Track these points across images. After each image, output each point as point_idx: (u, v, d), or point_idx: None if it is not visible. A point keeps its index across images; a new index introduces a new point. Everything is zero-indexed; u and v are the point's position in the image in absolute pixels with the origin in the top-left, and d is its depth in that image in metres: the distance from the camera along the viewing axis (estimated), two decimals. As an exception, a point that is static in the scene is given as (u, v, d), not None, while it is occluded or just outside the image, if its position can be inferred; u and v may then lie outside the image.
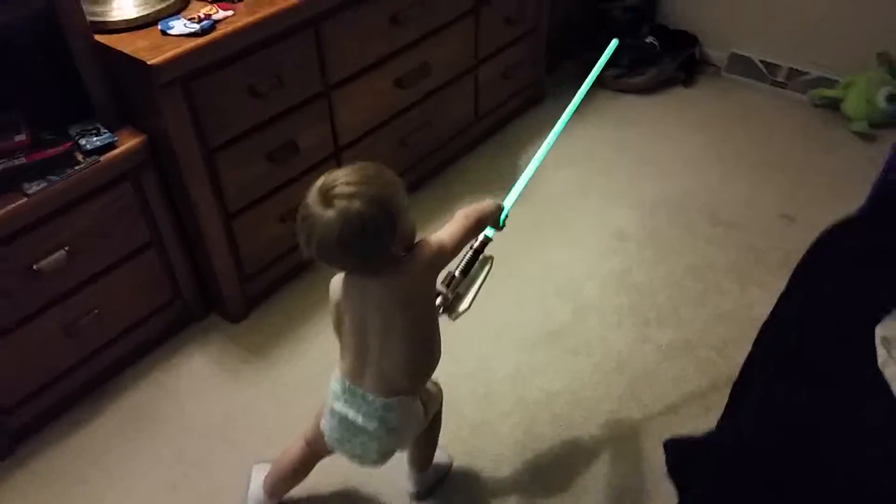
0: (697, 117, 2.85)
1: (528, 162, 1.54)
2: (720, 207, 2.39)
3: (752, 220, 2.33)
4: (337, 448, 1.43)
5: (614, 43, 1.75)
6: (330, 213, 1.14)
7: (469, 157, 2.67)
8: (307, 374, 1.91)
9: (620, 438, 1.75)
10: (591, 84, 1.67)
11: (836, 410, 1.13)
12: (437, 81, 2.39)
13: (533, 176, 1.53)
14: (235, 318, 2.07)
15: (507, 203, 1.46)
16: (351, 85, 2.07)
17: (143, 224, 1.82)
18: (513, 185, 1.51)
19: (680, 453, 1.61)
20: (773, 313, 1.41)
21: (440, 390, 1.52)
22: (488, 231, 1.43)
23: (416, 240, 1.29)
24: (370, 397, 1.33)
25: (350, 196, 1.14)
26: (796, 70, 2.88)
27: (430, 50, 2.29)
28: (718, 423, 1.55)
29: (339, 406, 1.37)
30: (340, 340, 1.37)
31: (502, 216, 1.43)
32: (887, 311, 1.18)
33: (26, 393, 1.74)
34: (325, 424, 1.42)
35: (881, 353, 1.13)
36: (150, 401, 1.87)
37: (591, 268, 2.19)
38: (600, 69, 1.70)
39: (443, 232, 1.32)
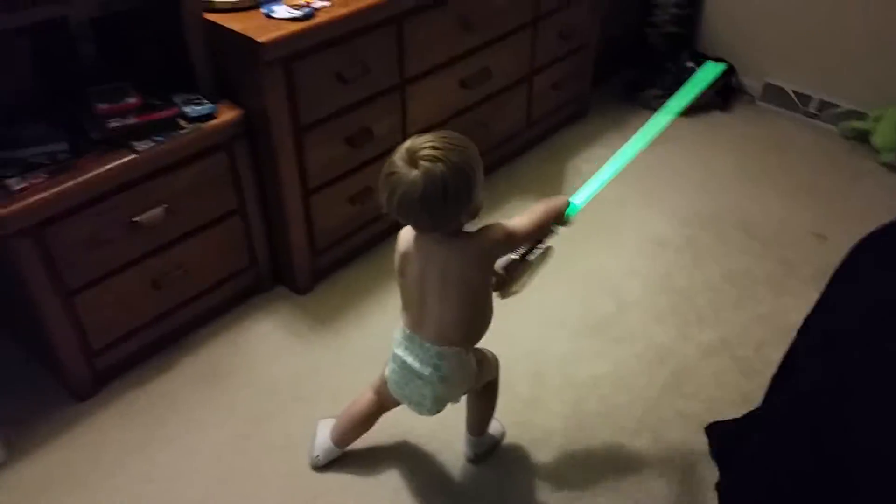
0: (732, 141, 3.01)
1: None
2: (753, 223, 2.53)
3: (785, 236, 2.47)
4: (396, 392, 1.56)
5: (721, 67, 1.83)
6: (415, 173, 1.27)
7: (517, 161, 2.82)
8: (369, 344, 2.04)
9: (662, 421, 1.87)
10: (689, 100, 1.75)
11: (876, 383, 1.26)
12: (496, 86, 2.54)
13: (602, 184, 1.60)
14: (302, 289, 2.20)
15: (578, 201, 1.56)
16: (423, 81, 2.23)
17: (231, 192, 1.96)
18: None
19: (721, 435, 1.74)
20: (817, 303, 1.54)
21: (497, 361, 1.65)
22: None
23: (490, 223, 1.41)
24: (427, 345, 1.46)
25: (435, 159, 1.27)
26: (828, 102, 3.05)
27: (492, 55, 2.44)
28: (759, 407, 1.67)
29: (400, 351, 1.50)
30: (402, 290, 1.49)
31: (570, 213, 1.53)
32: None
33: (114, 338, 1.87)
34: (388, 369, 1.56)
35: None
36: (224, 357, 2.00)
37: (632, 269, 2.33)
38: (704, 87, 1.76)
39: (518, 220, 1.45)
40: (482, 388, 1.66)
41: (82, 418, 1.83)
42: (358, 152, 2.14)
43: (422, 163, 1.27)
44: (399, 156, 1.30)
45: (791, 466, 1.39)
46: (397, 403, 1.63)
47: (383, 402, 1.66)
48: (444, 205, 1.30)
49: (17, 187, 1.62)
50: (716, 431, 1.73)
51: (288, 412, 1.87)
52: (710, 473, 1.71)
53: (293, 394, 1.91)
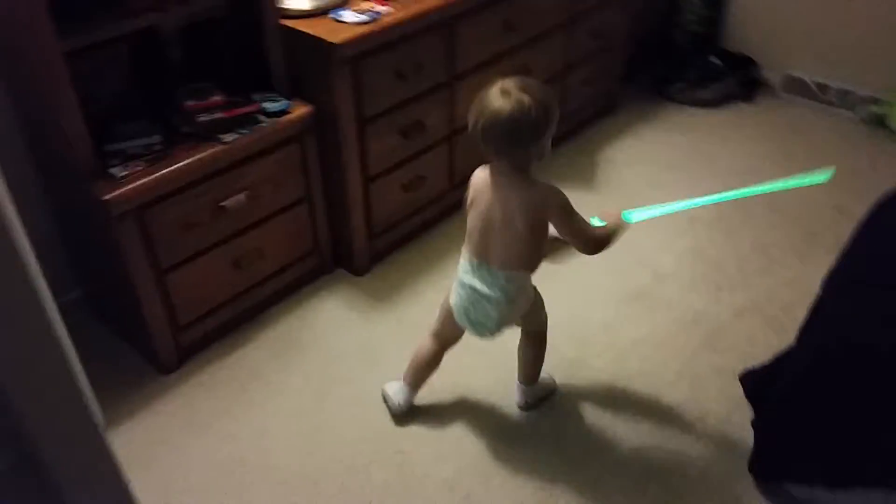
0: (755, 129, 3.18)
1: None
2: (778, 200, 2.70)
3: (808, 210, 2.65)
4: (461, 317, 1.74)
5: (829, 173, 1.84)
6: (504, 100, 1.49)
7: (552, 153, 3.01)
8: (424, 315, 2.22)
9: (699, 375, 2.05)
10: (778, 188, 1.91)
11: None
12: (533, 82, 2.74)
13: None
14: (360, 271, 2.41)
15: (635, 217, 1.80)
16: (469, 77, 2.43)
17: (301, 180, 2.17)
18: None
19: (754, 378, 1.91)
20: (841, 255, 1.71)
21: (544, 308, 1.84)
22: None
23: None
24: (494, 270, 1.65)
25: (524, 90, 1.50)
26: (845, 90, 3.21)
27: (530, 53, 2.65)
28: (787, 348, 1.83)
29: (468, 279, 1.69)
30: (470, 222, 1.68)
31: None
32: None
33: (198, 315, 2.09)
34: (454, 297, 1.75)
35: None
36: (295, 331, 2.22)
37: (666, 244, 2.52)
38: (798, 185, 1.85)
39: (587, 227, 1.66)
40: (532, 336, 1.86)
41: (169, 389, 2.04)
42: (411, 143, 2.35)
43: (513, 93, 1.49)
44: (491, 91, 1.52)
45: (822, 398, 1.56)
46: (456, 339, 1.83)
47: (443, 342, 1.86)
48: (522, 132, 1.50)
49: (121, 175, 1.85)
50: (749, 376, 1.89)
51: (356, 376, 2.07)
52: (747, 414, 1.87)
53: (358, 360, 2.12)
